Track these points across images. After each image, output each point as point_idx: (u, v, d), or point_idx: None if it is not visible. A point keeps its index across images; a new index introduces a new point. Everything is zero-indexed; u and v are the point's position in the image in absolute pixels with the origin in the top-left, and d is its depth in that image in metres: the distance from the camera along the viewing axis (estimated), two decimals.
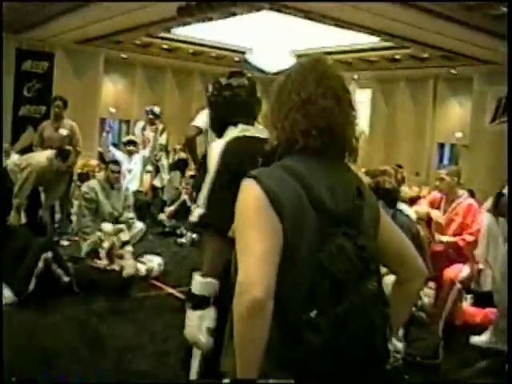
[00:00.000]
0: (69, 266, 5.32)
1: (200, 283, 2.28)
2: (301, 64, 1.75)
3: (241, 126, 2.55)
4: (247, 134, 2.51)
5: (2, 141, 8.82)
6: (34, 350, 3.99)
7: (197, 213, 2.39)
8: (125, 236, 5.94)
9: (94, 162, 10.68)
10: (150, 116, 9.01)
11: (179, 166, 10.00)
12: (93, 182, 6.42)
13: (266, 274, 1.44)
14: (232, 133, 2.53)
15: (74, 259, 5.68)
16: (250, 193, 1.55)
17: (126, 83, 17.16)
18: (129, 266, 5.64)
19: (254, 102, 2.67)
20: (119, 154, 8.03)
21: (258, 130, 2.54)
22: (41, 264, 4.99)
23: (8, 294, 4.94)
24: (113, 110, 16.62)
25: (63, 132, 7.57)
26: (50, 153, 6.17)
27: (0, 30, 7.89)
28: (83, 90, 14.64)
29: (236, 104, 2.60)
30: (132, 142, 8.32)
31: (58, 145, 6.67)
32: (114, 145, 12.95)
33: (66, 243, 7.33)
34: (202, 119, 5.57)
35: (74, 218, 7.92)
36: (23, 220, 5.97)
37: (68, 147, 6.42)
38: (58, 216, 7.96)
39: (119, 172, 6.39)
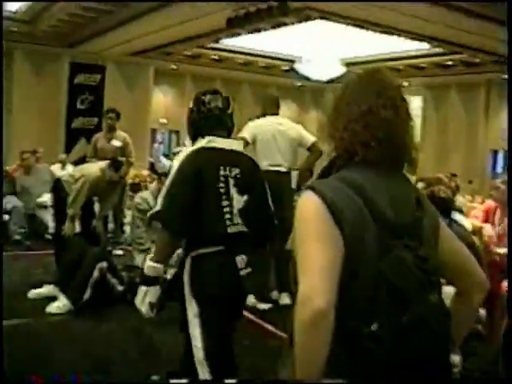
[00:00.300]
0: (123, 275, 5.40)
1: (150, 266, 2.77)
2: (359, 75, 1.75)
3: (208, 138, 2.85)
4: (212, 144, 2.83)
5: (2, 143, 9.03)
6: (89, 357, 4.05)
7: (154, 209, 2.82)
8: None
9: (145, 172, 10.81)
10: None
11: None
12: (146, 193, 6.51)
13: (327, 285, 1.44)
14: (199, 143, 2.87)
15: (128, 268, 5.75)
16: (309, 204, 1.55)
17: (175, 94, 17.38)
18: None
19: (226, 118, 2.98)
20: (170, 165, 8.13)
21: (227, 142, 2.91)
22: (96, 273, 5.09)
23: (64, 302, 5.04)
24: (163, 121, 16.84)
25: (116, 143, 7.74)
26: (103, 164, 6.28)
27: (0, 30, 8.14)
28: (134, 102, 14.90)
29: (209, 119, 2.93)
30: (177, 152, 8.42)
31: (111, 156, 6.79)
32: (165, 155, 13.12)
33: (119, 253, 7.47)
34: (249, 131, 5.59)
35: (127, 228, 8.06)
36: (77, 230, 6.08)
37: (121, 158, 6.53)
38: (111, 226, 8.16)
39: None
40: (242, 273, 2.77)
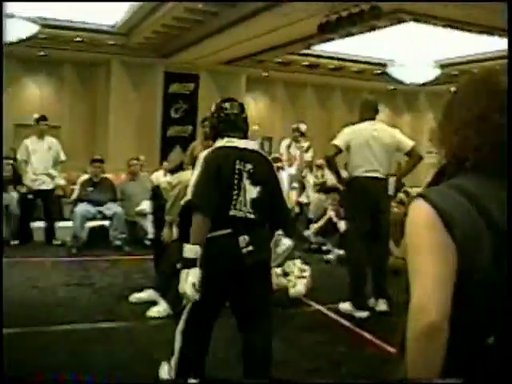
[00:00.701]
0: None
1: (189, 249, 3.14)
2: (471, 78, 1.69)
3: (226, 139, 3.41)
4: (229, 144, 3.37)
5: (3, 145, 9.34)
6: None
7: (186, 198, 3.35)
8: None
9: None
10: (296, 133, 9.12)
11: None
12: None
13: (441, 297, 1.40)
14: (218, 143, 3.43)
15: None
16: (420, 212, 1.52)
17: (267, 101, 17.51)
18: (299, 287, 5.74)
19: (241, 121, 3.50)
20: None
21: (242, 142, 3.42)
22: None
23: (164, 306, 5.17)
24: (255, 128, 17.02)
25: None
26: None
27: (0, 30, 8.41)
28: None
29: (226, 122, 3.46)
30: (278, 159, 8.45)
31: None
32: None
33: None
34: (343, 138, 5.53)
35: None
36: (175, 236, 6.22)
37: None
38: None
39: None
40: (244, 250, 3.22)
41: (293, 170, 8.47)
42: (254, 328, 3.46)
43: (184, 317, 3.41)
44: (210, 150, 3.41)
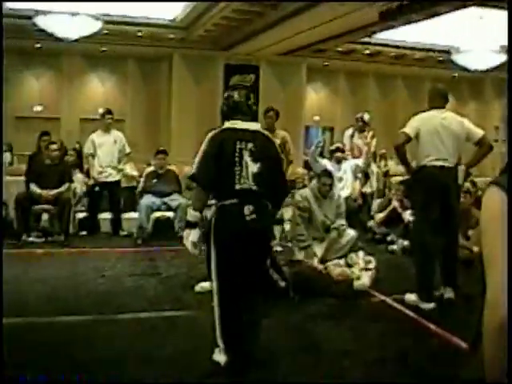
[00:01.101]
0: (284, 270, 5.48)
1: (191, 214, 3.85)
2: None
3: (230, 121, 3.86)
4: (232, 126, 3.83)
5: (2, 143, 9.41)
6: None
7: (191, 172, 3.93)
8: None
9: (301, 170, 10.92)
10: (360, 123, 9.01)
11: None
12: (305, 191, 6.56)
13: None
14: (224, 125, 3.88)
15: (290, 265, 5.84)
16: (494, 201, 1.46)
17: (328, 91, 17.39)
18: (364, 280, 5.71)
19: (246, 107, 3.94)
20: (328, 164, 8.15)
21: (245, 124, 3.85)
22: None
23: None
24: (317, 118, 16.91)
25: (276, 142, 7.89)
26: None
27: (0, 29, 8.46)
28: (287, 100, 15.09)
29: (231, 107, 3.94)
30: (340, 150, 8.37)
31: None
32: (321, 154, 13.14)
33: (279, 249, 7.62)
34: (412, 125, 5.45)
35: (286, 225, 8.21)
36: None
37: (282, 156, 6.65)
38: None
39: (331, 185, 6.43)
40: (248, 218, 3.67)
41: (358, 162, 8.36)
42: (250, 304, 3.83)
43: (215, 290, 3.77)
44: (216, 131, 3.87)
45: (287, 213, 7.29)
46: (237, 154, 3.75)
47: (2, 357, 3.11)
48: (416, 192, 5.78)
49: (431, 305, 5.27)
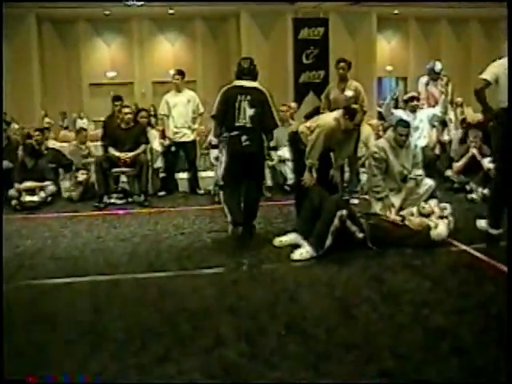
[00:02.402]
0: (362, 222, 5.46)
1: (212, 140, 7.21)
2: None
3: (237, 81, 5.99)
4: (236, 84, 5.96)
5: (2, 135, 9.38)
6: (330, 300, 4.21)
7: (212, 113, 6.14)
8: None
9: (375, 121, 10.75)
10: (432, 74, 8.78)
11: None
12: (382, 142, 6.46)
13: None
14: (233, 83, 6.01)
15: (367, 216, 5.81)
16: None
17: (399, 39, 16.98)
18: (441, 229, 5.63)
19: (247, 71, 5.99)
20: (403, 114, 7.98)
21: (246, 82, 5.94)
22: (336, 221, 5.20)
23: (307, 249, 5.25)
24: (389, 68, 16.56)
25: (349, 93, 7.83)
26: (337, 113, 6.37)
27: (0, 29, 8.44)
28: (358, 51, 14.85)
29: (238, 70, 6.03)
30: (415, 98, 8.18)
31: (345, 106, 6.84)
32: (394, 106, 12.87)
33: (355, 201, 7.59)
34: (491, 71, 5.44)
35: (363, 176, 8.14)
36: (314, 179, 6.29)
37: (354, 105, 6.57)
38: (347, 175, 8.35)
39: (407, 135, 6.31)
40: (244, 144, 5.81)
41: (435, 110, 8.15)
42: (251, 189, 6.10)
43: (221, 192, 6.13)
44: (226, 87, 6.03)
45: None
46: (237, 104, 5.83)
47: (1, 357, 3.18)
48: (497, 135, 5.71)
49: (499, 231, 5.67)
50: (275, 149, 7.19)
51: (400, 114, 7.83)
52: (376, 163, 6.23)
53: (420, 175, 6.38)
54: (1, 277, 4.54)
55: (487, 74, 5.40)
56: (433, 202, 6.01)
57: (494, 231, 5.71)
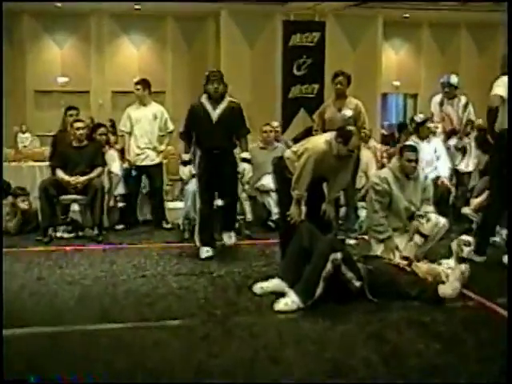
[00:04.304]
0: (360, 267, 5.49)
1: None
2: None
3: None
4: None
5: (2, 137, 9.45)
6: (321, 361, 4.19)
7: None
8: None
9: (378, 146, 10.82)
10: (447, 88, 8.91)
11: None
12: (385, 172, 6.52)
13: None
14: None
15: (365, 260, 5.85)
16: None
17: (410, 49, 17.23)
18: (450, 285, 5.60)
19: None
20: (412, 139, 8.05)
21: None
22: (329, 266, 5.21)
23: (293, 298, 5.26)
24: (396, 83, 16.76)
25: (347, 112, 7.86)
26: (329, 135, 6.45)
27: (0, 29, 8.56)
28: (360, 62, 15.00)
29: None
30: (427, 122, 8.27)
31: (338, 127, 6.88)
32: (401, 124, 12.98)
33: (352, 242, 7.64)
34: (505, 86, 5.56)
35: (362, 212, 8.19)
36: (304, 214, 6.32)
37: (349, 127, 6.59)
38: (343, 210, 8.42)
39: (416, 161, 6.39)
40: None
41: (452, 142, 8.24)
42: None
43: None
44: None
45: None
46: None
47: (1, 357, 3.29)
48: (494, 164, 6.01)
49: (483, 258, 6.74)
50: (249, 161, 7.38)
51: (407, 142, 7.93)
52: (377, 197, 6.29)
53: (431, 211, 6.44)
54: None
55: (502, 90, 5.58)
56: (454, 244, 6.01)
57: (478, 258, 6.72)
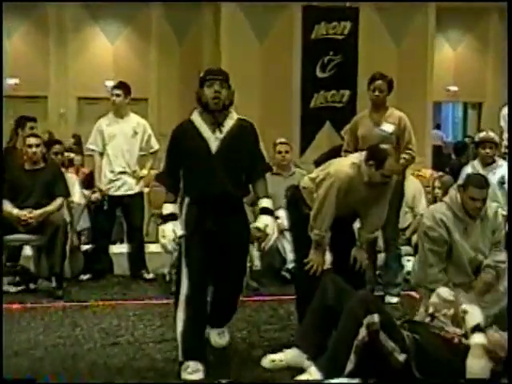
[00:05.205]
0: (404, 335, 5.45)
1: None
2: None
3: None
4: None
5: (2, 139, 9.50)
6: None
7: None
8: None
9: (428, 171, 10.83)
10: None
11: None
12: (440, 209, 6.34)
13: None
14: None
15: (411, 325, 5.81)
16: None
17: (472, 44, 17.23)
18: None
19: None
20: (474, 166, 8.09)
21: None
22: (363, 332, 5.19)
23: (315, 375, 5.24)
24: (453, 89, 16.75)
25: (388, 128, 7.74)
26: (357, 156, 6.41)
27: (0, 30, 8.65)
28: (405, 61, 14.95)
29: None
30: (493, 142, 8.25)
31: (370, 145, 6.81)
32: (459, 145, 12.95)
33: (394, 300, 7.60)
34: None
35: (407, 261, 8.17)
36: (328, 262, 6.30)
37: (383, 145, 6.50)
38: (381, 258, 8.33)
39: (484, 200, 6.29)
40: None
41: None
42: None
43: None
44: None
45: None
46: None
47: (1, 357, 3.23)
48: None
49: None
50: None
51: (468, 169, 7.93)
52: (432, 246, 6.22)
53: (503, 261, 6.38)
54: None
55: None
56: None
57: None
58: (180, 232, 5.70)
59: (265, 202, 5.94)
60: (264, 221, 5.82)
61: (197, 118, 5.85)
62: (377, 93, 7.93)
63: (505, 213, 7.81)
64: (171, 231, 5.67)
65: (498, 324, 5.69)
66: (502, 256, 6.36)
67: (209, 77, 5.82)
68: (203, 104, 5.79)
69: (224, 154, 5.72)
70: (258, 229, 5.82)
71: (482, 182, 6.35)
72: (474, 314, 5.58)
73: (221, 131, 5.76)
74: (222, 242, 5.77)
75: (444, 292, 5.90)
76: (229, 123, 5.81)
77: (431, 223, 6.28)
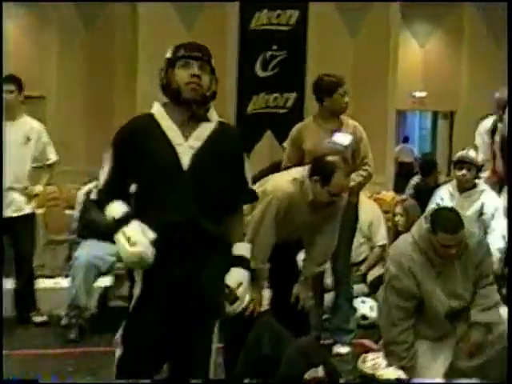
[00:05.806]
0: None
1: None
2: None
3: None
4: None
5: (2, 142, 9.52)
6: None
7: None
8: None
9: (390, 194, 10.90)
10: (501, 111, 9.06)
11: None
12: (405, 249, 6.28)
13: None
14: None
15: (364, 381, 5.84)
16: None
17: (443, 40, 17.45)
18: None
19: None
20: (446, 194, 8.14)
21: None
22: None
23: None
24: (421, 94, 16.93)
25: (342, 139, 7.46)
26: (300, 171, 6.42)
27: (0, 31, 8.77)
28: (363, 57, 15.04)
29: None
30: (469, 162, 8.29)
31: (315, 157, 6.78)
32: (426, 163, 13.08)
33: (344, 351, 7.59)
34: None
35: (364, 304, 8.18)
36: (266, 304, 6.28)
37: (330, 157, 6.44)
38: (329, 297, 8.31)
39: (459, 244, 6.20)
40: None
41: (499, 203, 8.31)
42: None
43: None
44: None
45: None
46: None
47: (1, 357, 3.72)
48: None
49: None
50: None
51: (442, 193, 7.95)
52: (396, 299, 6.19)
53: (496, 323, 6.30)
54: None
55: None
56: None
57: None
58: (151, 234, 4.51)
59: (241, 249, 5.02)
60: (236, 277, 4.87)
61: (161, 113, 4.79)
62: (347, 99, 7.85)
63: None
64: (140, 233, 4.48)
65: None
66: (494, 298, 6.31)
67: (184, 54, 4.82)
68: (173, 92, 4.75)
69: (199, 172, 4.64)
70: (228, 286, 4.81)
71: (453, 225, 6.10)
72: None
73: (197, 138, 4.71)
74: (186, 300, 4.66)
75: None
76: (208, 127, 4.80)
77: (396, 271, 6.22)
